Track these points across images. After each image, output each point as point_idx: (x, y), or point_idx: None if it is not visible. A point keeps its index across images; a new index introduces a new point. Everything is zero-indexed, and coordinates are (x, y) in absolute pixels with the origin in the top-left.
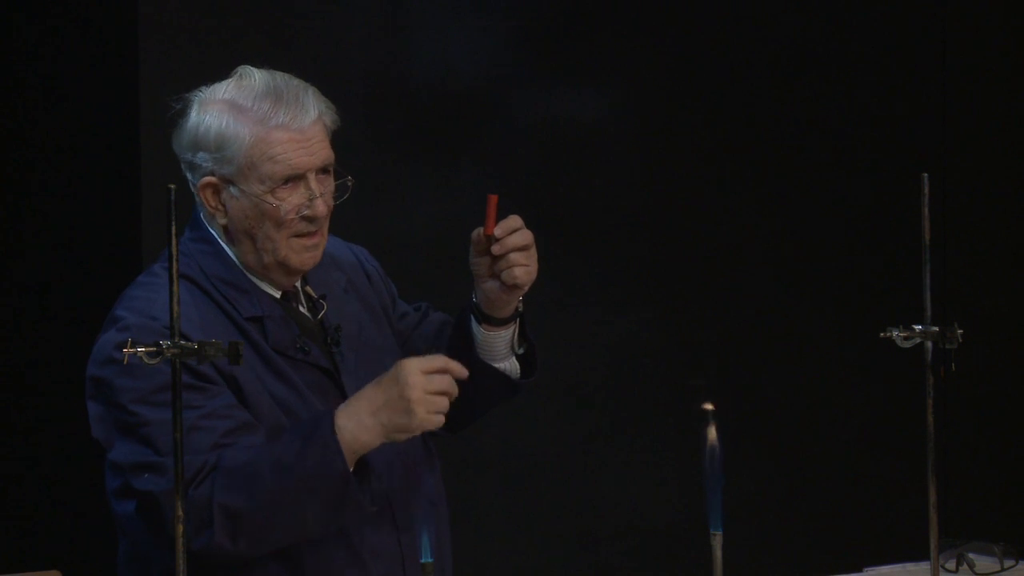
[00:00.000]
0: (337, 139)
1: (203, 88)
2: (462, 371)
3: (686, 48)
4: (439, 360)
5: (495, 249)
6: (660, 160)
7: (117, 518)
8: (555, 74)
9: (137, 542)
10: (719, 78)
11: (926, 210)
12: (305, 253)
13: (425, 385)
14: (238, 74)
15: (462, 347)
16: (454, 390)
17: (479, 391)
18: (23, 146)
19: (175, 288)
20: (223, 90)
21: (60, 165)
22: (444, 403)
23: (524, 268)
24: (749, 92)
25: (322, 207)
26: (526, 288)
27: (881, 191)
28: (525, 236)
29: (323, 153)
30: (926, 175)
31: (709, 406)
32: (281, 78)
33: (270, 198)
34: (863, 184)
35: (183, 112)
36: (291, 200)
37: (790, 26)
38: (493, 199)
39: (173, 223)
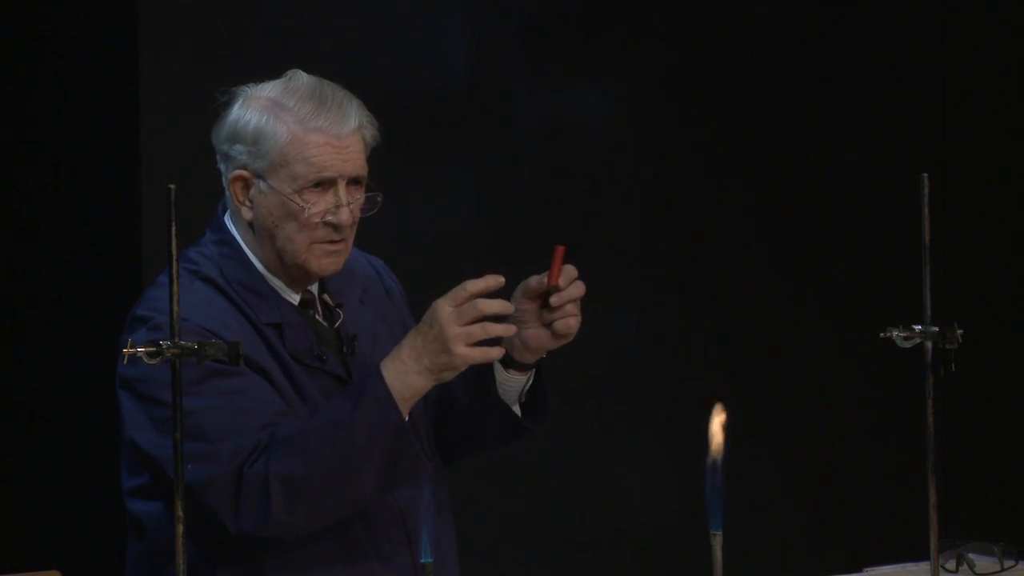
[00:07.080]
0: None
1: (251, 84)
2: (497, 282)
3: (686, 48)
4: (464, 291)
5: (555, 300)
6: (660, 160)
7: (133, 518)
8: (555, 74)
9: (157, 542)
10: (719, 78)
11: (926, 210)
12: (325, 259)
13: (457, 319)
14: (287, 76)
15: (480, 387)
16: (489, 308)
17: (490, 430)
18: (23, 146)
19: (175, 288)
20: (269, 88)
21: (60, 165)
22: (480, 332)
23: (577, 319)
24: (749, 92)
25: (347, 216)
26: (572, 338)
27: (881, 191)
28: (581, 288)
29: (357, 162)
30: (926, 175)
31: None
32: (328, 85)
33: (297, 198)
34: (863, 184)
35: (226, 105)
36: (318, 204)
37: (790, 26)
38: (561, 249)
39: (173, 223)
